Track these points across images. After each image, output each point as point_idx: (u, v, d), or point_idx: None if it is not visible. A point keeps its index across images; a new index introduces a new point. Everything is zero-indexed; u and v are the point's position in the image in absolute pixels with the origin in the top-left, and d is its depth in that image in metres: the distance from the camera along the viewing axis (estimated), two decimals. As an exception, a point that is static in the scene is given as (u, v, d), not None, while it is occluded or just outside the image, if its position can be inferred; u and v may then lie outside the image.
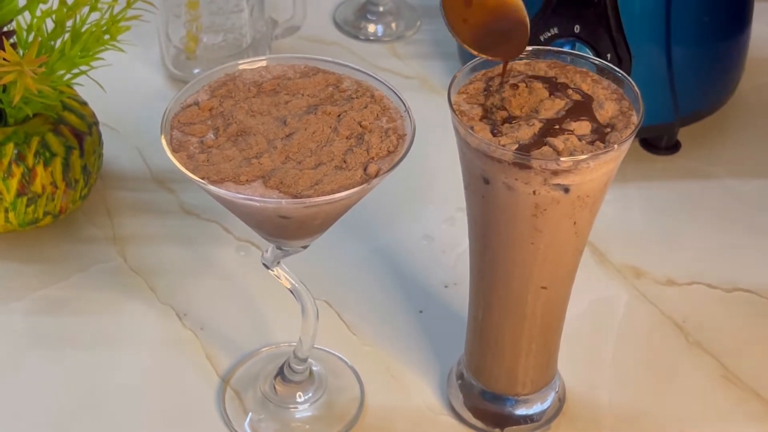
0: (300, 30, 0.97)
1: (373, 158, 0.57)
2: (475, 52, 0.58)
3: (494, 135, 0.57)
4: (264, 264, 0.64)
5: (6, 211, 0.76)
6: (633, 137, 0.57)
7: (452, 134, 0.59)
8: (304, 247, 0.62)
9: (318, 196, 0.55)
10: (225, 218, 0.81)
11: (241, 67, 0.62)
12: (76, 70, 0.76)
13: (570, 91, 0.59)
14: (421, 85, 0.95)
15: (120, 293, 0.76)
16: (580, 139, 0.56)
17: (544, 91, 0.59)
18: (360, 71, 0.62)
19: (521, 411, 0.68)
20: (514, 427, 0.67)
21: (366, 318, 0.75)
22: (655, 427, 0.69)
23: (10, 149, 0.74)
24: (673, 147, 0.88)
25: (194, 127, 0.59)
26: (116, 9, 0.77)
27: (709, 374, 0.71)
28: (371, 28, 1.02)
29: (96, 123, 0.81)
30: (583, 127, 0.57)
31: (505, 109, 0.58)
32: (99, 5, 0.76)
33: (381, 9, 1.02)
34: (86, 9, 0.76)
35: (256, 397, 0.70)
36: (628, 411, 0.69)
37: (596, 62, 0.61)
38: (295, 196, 0.55)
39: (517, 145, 0.56)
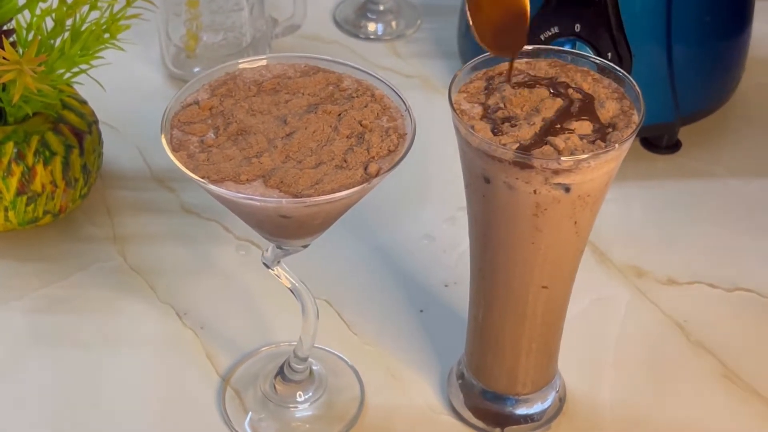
0: (300, 29, 0.97)
1: (373, 157, 0.57)
2: (497, 53, 0.58)
3: (495, 134, 0.57)
4: (264, 263, 0.64)
5: (6, 210, 0.76)
6: (634, 136, 0.57)
7: (453, 133, 0.59)
8: (305, 247, 0.62)
9: (318, 195, 0.55)
10: (225, 217, 0.81)
11: (241, 66, 0.62)
12: (75, 69, 0.76)
13: (571, 91, 0.59)
14: (422, 84, 0.95)
15: (120, 292, 0.76)
16: (581, 139, 0.56)
17: (544, 91, 0.59)
18: (360, 70, 0.62)
19: (522, 410, 0.67)
20: (514, 426, 0.67)
21: (366, 317, 0.75)
22: (656, 427, 0.68)
23: (10, 148, 0.74)
24: (674, 146, 0.88)
25: (194, 126, 0.59)
26: (116, 7, 0.77)
27: (710, 374, 0.71)
28: (371, 26, 1.01)
29: (96, 122, 0.80)
30: (584, 126, 0.57)
31: (505, 108, 0.58)
32: (99, 4, 0.75)
33: (381, 8, 1.02)
34: (86, 8, 0.76)
35: (256, 396, 0.70)
36: (628, 410, 0.69)
37: (597, 61, 0.60)
38: (296, 196, 0.55)
39: (517, 145, 0.56)
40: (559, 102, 0.58)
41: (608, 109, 0.58)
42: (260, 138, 0.58)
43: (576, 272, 0.63)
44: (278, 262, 0.63)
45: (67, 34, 0.76)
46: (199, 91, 0.61)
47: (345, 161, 0.57)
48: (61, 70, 0.75)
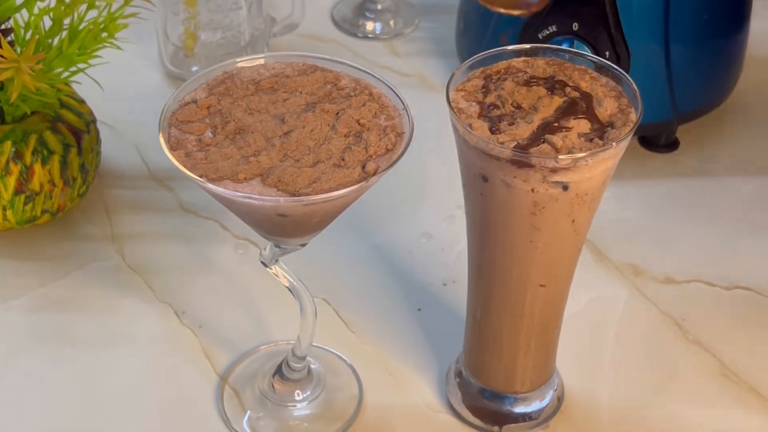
0: (298, 28, 0.97)
1: (371, 156, 0.57)
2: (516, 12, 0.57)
3: (493, 132, 0.57)
4: (262, 262, 0.64)
5: (4, 209, 0.76)
6: (631, 135, 0.57)
7: (451, 132, 0.59)
8: (303, 245, 0.62)
9: (316, 194, 0.55)
10: (223, 216, 0.81)
11: (239, 64, 0.62)
12: (73, 68, 0.76)
13: (568, 89, 0.59)
14: (420, 83, 0.95)
15: (118, 291, 0.76)
16: (578, 137, 0.56)
17: (542, 89, 0.59)
18: (358, 69, 0.62)
19: (520, 409, 0.68)
20: (512, 425, 0.67)
21: (365, 316, 0.75)
22: (654, 425, 0.68)
23: (8, 147, 0.74)
24: (672, 145, 0.88)
25: (192, 125, 0.59)
26: (114, 6, 0.77)
27: (708, 372, 0.71)
28: (369, 25, 1.01)
29: (94, 121, 0.80)
30: (581, 124, 0.57)
31: (503, 106, 0.58)
32: (97, 3, 0.75)
33: (379, 7, 1.02)
34: (84, 6, 0.76)
35: (254, 395, 0.70)
36: (626, 409, 0.69)
37: (595, 60, 0.60)
38: (294, 194, 0.55)
39: (515, 143, 0.56)
40: (557, 100, 0.58)
41: (606, 108, 0.58)
42: (258, 137, 0.58)
43: (574, 271, 0.63)
44: (276, 260, 0.63)
45: (65, 33, 0.76)
46: (197, 90, 0.61)
47: (343, 160, 0.57)
48: (59, 69, 0.75)
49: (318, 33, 1.01)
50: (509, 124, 0.57)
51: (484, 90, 0.59)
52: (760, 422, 0.69)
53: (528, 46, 0.61)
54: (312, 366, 0.70)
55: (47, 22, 0.77)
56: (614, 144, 0.56)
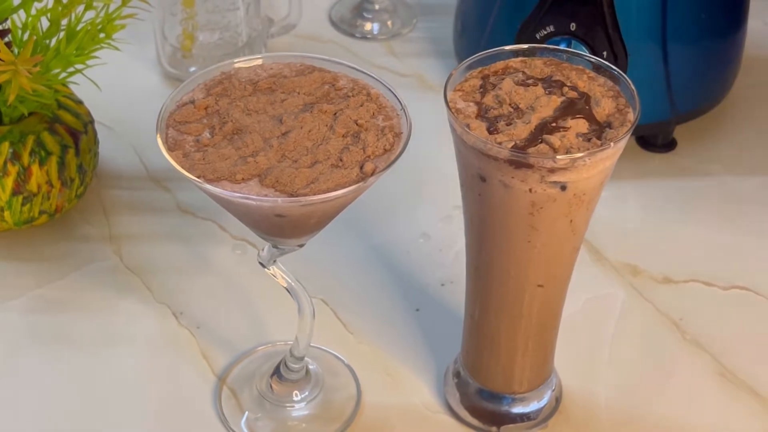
0: (296, 28, 0.97)
1: (369, 156, 0.57)
2: None
3: (490, 133, 0.57)
4: (260, 263, 0.64)
5: (1, 210, 0.76)
6: (629, 135, 0.57)
7: (448, 132, 0.59)
8: (301, 246, 0.62)
9: (314, 194, 0.55)
10: (221, 217, 0.81)
11: (236, 65, 0.62)
12: (71, 69, 0.76)
13: (566, 89, 0.59)
14: (418, 83, 0.95)
15: (116, 292, 0.76)
16: (576, 137, 0.56)
17: (540, 89, 0.59)
18: (356, 69, 0.62)
19: (518, 409, 0.68)
20: (510, 425, 0.67)
21: (363, 316, 0.75)
22: (652, 425, 0.69)
23: (6, 148, 0.74)
24: (670, 145, 0.88)
25: (190, 125, 0.59)
26: (112, 7, 0.77)
27: (706, 372, 0.71)
28: (367, 26, 1.01)
29: (91, 121, 0.80)
30: (579, 124, 0.57)
31: (501, 106, 0.58)
32: (94, 4, 0.75)
33: (377, 7, 1.02)
34: (81, 7, 0.76)
35: (252, 396, 0.70)
36: (624, 409, 0.69)
37: (592, 60, 0.60)
38: (291, 195, 0.55)
39: (513, 143, 0.56)
40: (554, 100, 0.58)
41: (604, 108, 0.58)
42: (256, 137, 0.58)
43: (572, 271, 0.63)
44: (274, 261, 0.63)
45: (62, 33, 0.76)
46: (195, 91, 0.61)
47: (341, 160, 0.57)
48: (57, 70, 0.75)
49: (316, 33, 1.01)
50: (507, 124, 0.57)
51: (481, 90, 0.59)
52: (758, 422, 0.69)
53: (526, 46, 0.61)
54: (310, 366, 0.70)
55: (45, 23, 0.77)
56: (612, 144, 0.56)
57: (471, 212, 0.61)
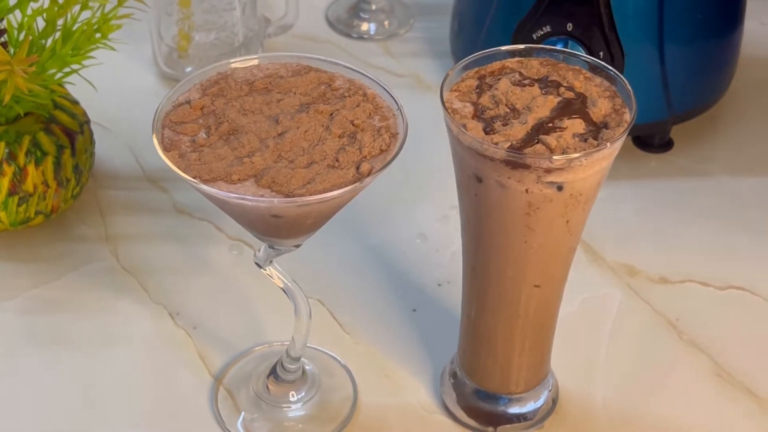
0: (292, 28, 0.97)
1: (365, 157, 0.57)
2: None
3: (487, 133, 0.57)
4: (256, 263, 0.63)
5: (-3, 210, 0.76)
6: (626, 135, 0.57)
7: (445, 132, 0.59)
8: (297, 246, 0.62)
9: (310, 195, 0.55)
10: (217, 217, 0.81)
11: (233, 65, 0.62)
12: (67, 69, 0.76)
13: (563, 89, 0.59)
14: (414, 84, 0.95)
15: (112, 292, 0.76)
16: (573, 137, 0.56)
17: (536, 89, 0.59)
18: (352, 69, 0.62)
19: (514, 409, 0.67)
20: (507, 425, 0.67)
21: (359, 317, 0.75)
22: (649, 425, 0.69)
23: (1, 148, 0.74)
24: (666, 145, 0.88)
25: (186, 126, 0.59)
26: (108, 7, 0.77)
27: (703, 372, 0.71)
28: (364, 26, 1.01)
29: (87, 122, 0.80)
30: (576, 125, 0.57)
31: (497, 106, 0.58)
32: (90, 4, 0.75)
33: (374, 7, 1.02)
34: (77, 7, 0.75)
35: (248, 396, 0.69)
36: (621, 409, 0.69)
37: (589, 60, 0.60)
38: (288, 195, 0.55)
39: (509, 143, 0.56)
40: (551, 101, 0.58)
41: (600, 108, 0.58)
42: (252, 138, 0.58)
43: (568, 271, 0.63)
44: (270, 261, 0.63)
45: (58, 34, 0.75)
46: (191, 91, 0.61)
47: (337, 161, 0.57)
48: (53, 70, 0.75)
49: (312, 34, 1.01)
50: (503, 125, 0.57)
51: (478, 90, 0.59)
52: (754, 422, 0.69)
53: (522, 46, 0.61)
54: (306, 367, 0.70)
55: (41, 23, 0.77)
56: (608, 144, 0.56)
57: (467, 213, 0.61)
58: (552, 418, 0.68)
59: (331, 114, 0.59)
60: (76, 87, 0.79)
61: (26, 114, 0.76)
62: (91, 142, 0.80)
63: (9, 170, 0.74)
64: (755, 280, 0.77)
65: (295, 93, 0.61)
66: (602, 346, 0.73)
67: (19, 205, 0.76)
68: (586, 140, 0.56)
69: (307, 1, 1.01)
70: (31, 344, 0.73)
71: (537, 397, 0.68)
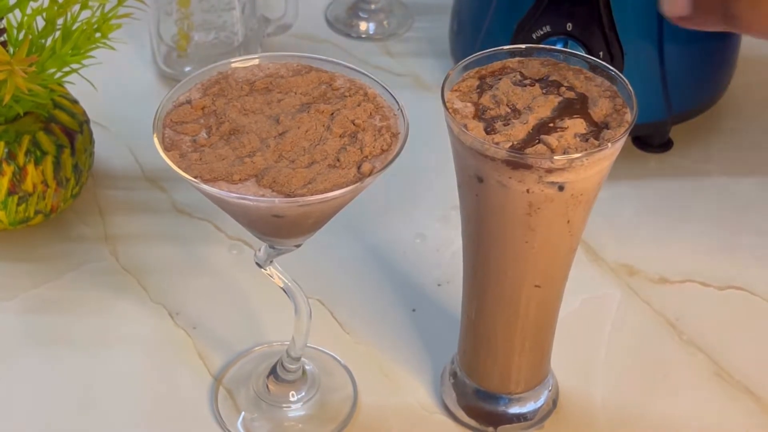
0: (292, 28, 0.97)
1: (366, 157, 0.57)
2: None
3: (488, 133, 0.57)
4: (257, 263, 0.63)
5: (-3, 210, 0.75)
6: (627, 135, 0.57)
7: (445, 132, 0.59)
8: (297, 246, 0.62)
9: (311, 194, 0.55)
10: (217, 217, 0.81)
11: (233, 65, 0.62)
12: (67, 69, 0.76)
13: (563, 89, 0.59)
14: (414, 83, 0.95)
15: (112, 292, 0.76)
16: (574, 137, 0.56)
17: (537, 89, 0.59)
18: (353, 69, 0.62)
19: (514, 409, 0.67)
20: (507, 425, 0.67)
21: (359, 317, 0.75)
22: (648, 425, 0.69)
23: (1, 148, 0.74)
24: (665, 145, 0.88)
25: (186, 125, 0.59)
26: (107, 7, 0.77)
27: (702, 372, 0.71)
28: (363, 26, 1.01)
29: (87, 121, 0.80)
30: (577, 124, 0.57)
31: (498, 106, 0.58)
32: (90, 3, 0.75)
33: (373, 7, 1.02)
34: (77, 7, 0.75)
35: (248, 396, 0.69)
36: (621, 409, 0.69)
37: (589, 60, 0.60)
38: (289, 195, 0.55)
39: (510, 143, 0.56)
40: (551, 101, 0.58)
41: (601, 108, 0.58)
42: (253, 137, 0.58)
43: (569, 271, 0.63)
44: (271, 261, 0.63)
45: (58, 33, 0.75)
46: (191, 91, 0.61)
47: (338, 160, 0.57)
48: (52, 70, 0.75)
49: (311, 33, 1.01)
50: (504, 125, 0.57)
51: (479, 90, 0.59)
52: (754, 422, 0.69)
53: (523, 46, 0.61)
54: (306, 367, 0.70)
55: (40, 23, 0.77)
56: (610, 144, 0.56)
57: (468, 212, 0.61)
58: (552, 418, 0.68)
59: (332, 114, 0.59)
60: (76, 86, 0.79)
61: (26, 113, 0.76)
62: (91, 141, 0.80)
63: (8, 170, 0.74)
64: (755, 280, 0.77)
65: (295, 93, 0.61)
66: (602, 346, 0.73)
67: (18, 204, 0.76)
68: (587, 140, 0.56)
69: (306, 1, 1.01)
70: (30, 344, 0.73)
71: (537, 397, 0.68)
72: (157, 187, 0.84)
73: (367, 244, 0.80)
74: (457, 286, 0.67)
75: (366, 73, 0.62)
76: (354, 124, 0.59)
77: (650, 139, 0.88)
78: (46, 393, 0.70)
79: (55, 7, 0.74)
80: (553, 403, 0.69)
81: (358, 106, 0.60)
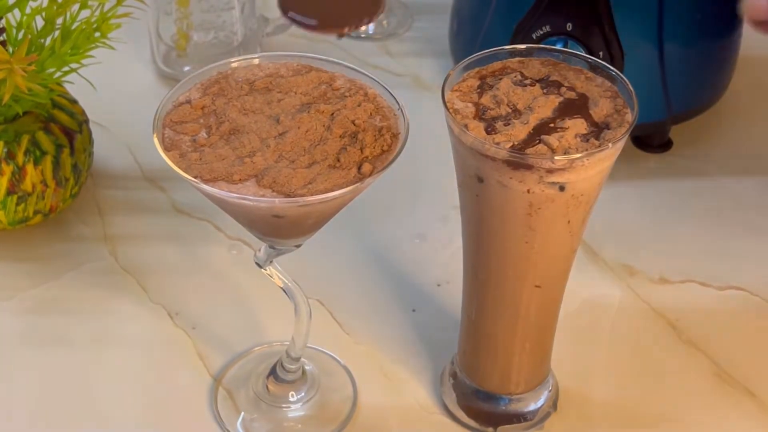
0: (291, 27, 0.97)
1: (366, 157, 0.57)
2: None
3: (488, 133, 0.57)
4: (256, 263, 0.63)
5: (-4, 209, 0.75)
6: (627, 135, 0.57)
7: (445, 132, 0.59)
8: (297, 246, 0.62)
9: (311, 195, 0.55)
10: (217, 217, 0.81)
11: (233, 65, 0.62)
12: (66, 68, 0.76)
13: (564, 89, 0.59)
14: (413, 83, 0.95)
15: (111, 292, 0.76)
16: (574, 137, 0.56)
17: (538, 89, 0.59)
18: (353, 69, 0.62)
19: (514, 410, 0.67)
20: (507, 426, 0.67)
21: (359, 317, 0.75)
22: (648, 425, 0.68)
23: (0, 147, 0.74)
24: (665, 145, 0.88)
25: (186, 125, 0.59)
26: (107, 6, 0.76)
27: (702, 373, 0.71)
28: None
29: (86, 121, 0.80)
30: (577, 125, 0.57)
31: (498, 107, 0.58)
32: (89, 2, 0.75)
33: (372, 6, 1.02)
34: (76, 6, 0.75)
35: (248, 396, 0.69)
36: (620, 409, 0.69)
37: (590, 60, 0.60)
38: (289, 195, 0.55)
39: (511, 143, 0.56)
40: (552, 101, 0.58)
41: (602, 108, 0.58)
42: (253, 137, 0.58)
43: (569, 271, 0.63)
44: (271, 261, 0.63)
45: (57, 32, 0.75)
46: (191, 90, 0.61)
47: (338, 161, 0.57)
48: (52, 69, 0.75)
49: (311, 33, 1.00)
50: (505, 125, 0.57)
51: (479, 90, 0.59)
52: (753, 423, 0.69)
53: (523, 46, 0.61)
54: (306, 367, 0.70)
55: (39, 22, 0.77)
56: (610, 144, 0.56)
57: (468, 213, 0.61)
58: (552, 419, 0.68)
59: (332, 114, 0.59)
60: (75, 86, 0.79)
61: (25, 113, 0.76)
62: (90, 141, 0.80)
63: (8, 169, 0.74)
64: (755, 280, 0.77)
65: (295, 92, 0.61)
66: (602, 347, 0.73)
67: (17, 204, 0.76)
68: (587, 140, 0.56)
69: (305, 1, 1.01)
70: (29, 344, 0.73)
71: (537, 397, 0.68)
72: (156, 187, 0.84)
73: (367, 245, 0.80)
74: (456, 286, 0.67)
75: (366, 73, 0.61)
76: (354, 125, 0.59)
77: (650, 139, 0.88)
78: (45, 393, 0.70)
79: (55, 7, 0.74)
80: (553, 403, 0.69)
81: (359, 106, 0.60)
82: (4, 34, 0.74)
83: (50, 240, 0.80)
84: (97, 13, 0.76)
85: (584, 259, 0.78)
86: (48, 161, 0.75)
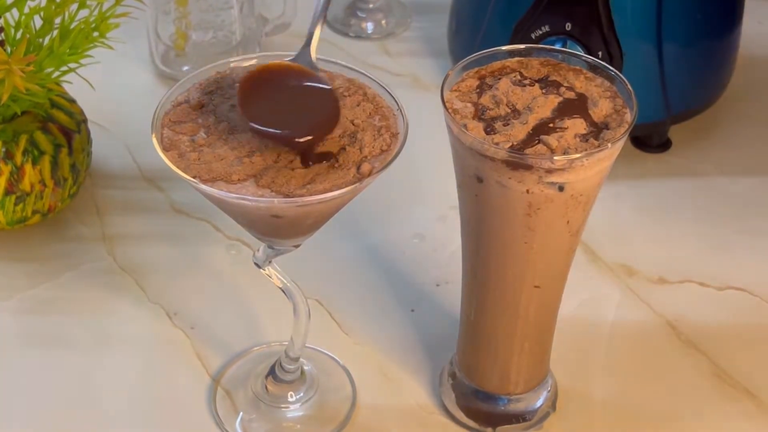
0: (290, 27, 0.97)
1: (366, 157, 0.57)
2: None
3: (487, 133, 0.57)
4: (255, 263, 0.63)
5: (-6, 209, 0.75)
6: (627, 135, 0.57)
7: (445, 132, 0.59)
8: (296, 246, 0.62)
9: (310, 195, 0.55)
10: (215, 217, 0.81)
11: (232, 64, 0.62)
12: (64, 68, 0.76)
13: (563, 89, 0.59)
14: (412, 83, 0.95)
15: (109, 292, 0.76)
16: (574, 137, 0.56)
17: (537, 89, 0.59)
18: (352, 69, 0.62)
19: (514, 410, 0.67)
20: (506, 426, 0.67)
21: (358, 317, 0.75)
22: (648, 426, 0.68)
23: (-1, 147, 0.74)
24: (664, 145, 0.88)
25: (185, 125, 0.59)
26: (105, 6, 0.76)
27: (701, 372, 0.71)
28: (361, 25, 1.01)
29: (85, 121, 0.80)
30: (577, 125, 0.57)
31: (498, 107, 0.58)
32: (88, 2, 0.75)
33: (371, 6, 1.02)
34: (75, 6, 0.75)
35: (247, 396, 0.69)
36: (620, 410, 0.69)
37: (589, 60, 0.60)
38: (288, 196, 0.55)
39: (510, 144, 0.56)
40: (551, 101, 0.58)
41: (601, 108, 0.58)
42: (252, 137, 0.58)
43: (568, 272, 0.63)
44: (269, 261, 0.63)
45: (55, 32, 0.75)
46: (190, 90, 0.61)
47: (337, 161, 0.57)
48: (50, 69, 0.75)
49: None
50: (504, 125, 0.57)
51: (478, 90, 0.59)
52: (753, 422, 0.69)
53: (522, 46, 0.61)
54: (305, 367, 0.70)
55: (38, 22, 0.77)
56: (610, 145, 0.55)
57: (467, 213, 0.61)
58: (551, 419, 0.68)
59: (331, 114, 0.59)
60: (74, 86, 0.79)
61: (23, 113, 0.76)
62: (89, 141, 0.80)
63: (6, 169, 0.74)
64: (754, 280, 0.77)
65: (295, 92, 0.61)
66: (601, 347, 0.73)
67: (16, 204, 0.75)
68: (587, 140, 0.56)
69: (304, 0, 1.01)
70: (27, 344, 0.73)
71: (536, 397, 0.68)
72: (155, 186, 0.84)
73: (365, 245, 0.80)
74: (455, 286, 0.67)
75: (365, 72, 0.61)
76: (353, 124, 0.59)
77: (649, 139, 0.88)
78: (44, 393, 0.70)
79: (53, 6, 0.74)
80: (552, 403, 0.69)
81: (358, 106, 0.60)
82: (3, 34, 0.74)
83: (49, 240, 0.79)
84: (95, 12, 0.76)
85: (583, 259, 0.78)
86: (46, 161, 0.75)
